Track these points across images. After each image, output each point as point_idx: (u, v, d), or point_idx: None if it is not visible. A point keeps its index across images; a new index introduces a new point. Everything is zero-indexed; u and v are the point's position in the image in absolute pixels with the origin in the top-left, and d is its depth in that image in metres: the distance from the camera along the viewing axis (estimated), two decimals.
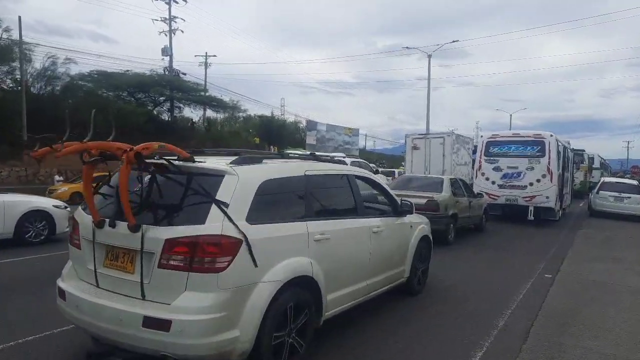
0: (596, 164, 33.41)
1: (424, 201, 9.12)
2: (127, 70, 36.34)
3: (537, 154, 13.22)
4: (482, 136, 14.55)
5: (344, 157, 14.66)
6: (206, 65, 51.15)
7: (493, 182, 13.79)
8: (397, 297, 5.56)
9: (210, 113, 46.97)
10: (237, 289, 2.95)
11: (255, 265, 3.02)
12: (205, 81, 48.34)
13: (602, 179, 20.06)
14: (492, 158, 13.88)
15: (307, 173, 3.86)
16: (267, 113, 54.92)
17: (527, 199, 13.25)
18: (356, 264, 4.31)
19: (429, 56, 36.32)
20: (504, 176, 13.61)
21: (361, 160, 16.57)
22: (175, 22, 39.90)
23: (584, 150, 28.89)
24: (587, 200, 20.24)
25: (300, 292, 3.47)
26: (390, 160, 60.59)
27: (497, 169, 13.74)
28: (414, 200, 9.30)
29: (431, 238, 6.26)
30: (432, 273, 6.90)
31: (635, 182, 18.91)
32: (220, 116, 55.54)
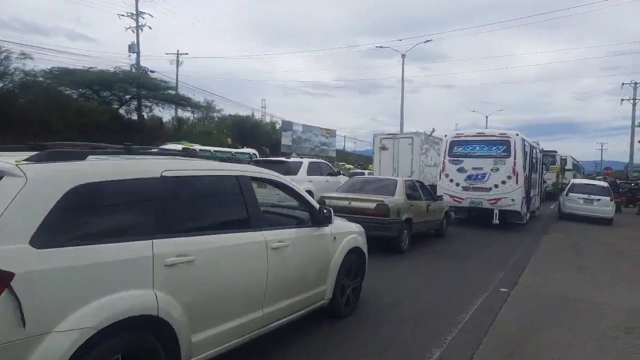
0: (569, 165, 33.25)
1: (373, 205, 8.26)
2: (91, 67, 34.80)
3: (503, 154, 12.52)
4: (445, 135, 13.78)
5: (298, 157, 13.73)
6: (177, 63, 50.02)
7: (457, 184, 13.04)
8: (316, 322, 4.66)
9: (186, 113, 45.73)
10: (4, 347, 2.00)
11: (22, 317, 2.04)
12: (177, 80, 47.13)
13: (572, 180, 19.60)
14: (456, 159, 13.14)
15: (165, 174, 2.92)
16: (247, 114, 53.91)
17: (492, 201, 12.54)
18: (244, 290, 3.38)
19: (403, 56, 35.98)
20: (468, 178, 12.87)
21: (321, 160, 15.65)
22: (143, 18, 38.59)
23: (555, 152, 28.65)
24: (558, 202, 19.76)
25: (135, 338, 2.54)
26: (369, 161, 60.05)
27: (461, 170, 13.00)
28: (362, 205, 8.53)
29: (365, 250, 5.37)
30: (375, 288, 6.08)
31: (605, 184, 18.49)
32: (194, 116, 54.29)
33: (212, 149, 20.91)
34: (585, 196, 16.50)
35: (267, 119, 57.85)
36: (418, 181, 10.58)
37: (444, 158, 13.39)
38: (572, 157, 35.63)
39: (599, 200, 16.34)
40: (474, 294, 6.20)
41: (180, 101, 38.26)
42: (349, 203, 8.46)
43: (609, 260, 9.14)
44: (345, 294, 4.91)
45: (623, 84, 41.65)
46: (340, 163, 51.84)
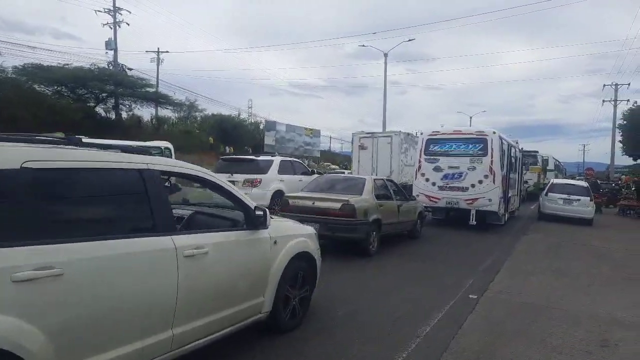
0: (551, 166, 33.16)
1: (338, 205, 7.71)
2: (67, 64, 33.75)
3: (479, 152, 12.08)
4: (422, 133, 13.29)
5: (270, 155, 13.12)
6: (158, 61, 49.15)
7: (433, 184, 12.57)
8: (256, 337, 4.09)
9: (168, 112, 44.92)
10: None
11: None
12: (158, 78, 46.26)
13: (552, 180, 19.31)
14: (432, 157, 12.66)
15: (27, 165, 2.33)
16: (232, 113, 53.35)
17: (469, 201, 12.09)
18: (141, 308, 2.78)
19: (385, 55, 35.65)
20: (445, 177, 12.41)
21: (294, 159, 15.06)
22: (121, 14, 37.62)
23: (537, 152, 28.51)
24: (538, 202, 19.46)
25: None
26: None
27: (437, 169, 12.53)
28: (326, 205, 7.98)
29: (316, 255, 4.81)
30: (332, 296, 5.57)
31: (585, 184, 18.25)
32: (176, 115, 53.39)
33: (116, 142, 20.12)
34: (565, 196, 16.20)
35: (252, 119, 57.24)
36: (389, 180, 10.06)
37: (420, 156, 12.92)
38: (554, 158, 35.59)
39: (578, 200, 16.06)
40: (440, 302, 5.69)
41: (160, 99, 37.33)
42: (313, 203, 7.91)
43: (587, 263, 8.73)
44: (289, 306, 4.35)
45: (604, 85, 41.80)
46: (325, 163, 51.44)
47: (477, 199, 11.99)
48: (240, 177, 11.84)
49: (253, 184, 11.68)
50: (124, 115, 38.28)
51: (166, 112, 44.66)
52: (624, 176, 39.33)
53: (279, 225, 4.31)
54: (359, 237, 7.84)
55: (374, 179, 8.87)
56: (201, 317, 3.24)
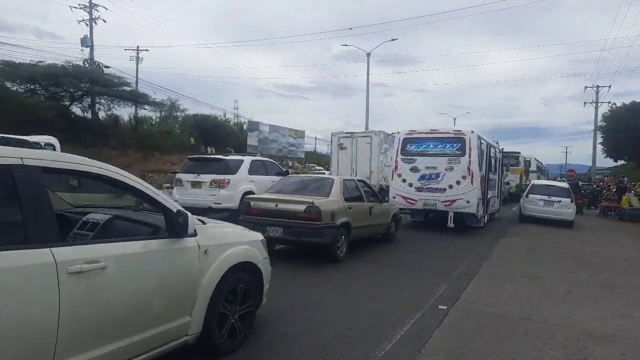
0: (533, 167, 33.11)
1: (302, 208, 7.16)
2: (40, 62, 32.67)
3: (457, 152, 11.64)
4: (398, 132, 12.82)
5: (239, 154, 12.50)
6: (138, 59, 48.28)
7: (410, 185, 12.10)
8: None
9: (149, 112, 44.02)
10: None
11: None
12: (137, 77, 45.35)
13: (532, 181, 19.02)
14: (409, 157, 12.20)
15: None
16: (215, 114, 52.83)
17: (447, 203, 11.64)
18: (12, 336, 2.21)
19: (368, 54, 35.43)
20: (422, 177, 11.95)
21: (266, 158, 14.45)
22: (97, 10, 36.63)
23: (519, 153, 28.37)
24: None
25: None
26: None
27: (414, 169, 12.07)
28: (290, 207, 7.41)
29: (262, 265, 4.24)
30: (289, 307, 5.12)
31: (565, 185, 18.00)
32: (157, 115, 52.48)
33: None
34: (546, 198, 15.90)
35: (236, 120, 56.68)
36: (361, 181, 9.54)
37: (397, 157, 12.44)
38: (536, 159, 35.59)
39: (559, 201, 15.77)
40: (406, 314, 5.18)
41: (138, 99, 36.32)
42: (276, 205, 7.35)
43: (565, 268, 8.32)
44: (227, 325, 3.78)
45: (586, 87, 41.90)
46: (311, 165, 51.05)
47: (454, 200, 11.55)
48: (207, 178, 11.23)
49: (220, 184, 11.07)
50: (103, 115, 37.32)
51: (147, 112, 43.79)
52: (606, 177, 39.63)
53: (212, 231, 3.74)
54: (326, 242, 7.30)
55: (344, 180, 8.34)
56: (99, 346, 2.66)
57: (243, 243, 4.04)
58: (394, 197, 12.35)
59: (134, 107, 39.59)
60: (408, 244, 10.09)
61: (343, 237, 7.73)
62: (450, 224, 11.68)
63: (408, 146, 12.28)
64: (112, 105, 37.11)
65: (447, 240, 10.82)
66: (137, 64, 47.46)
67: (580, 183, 29.25)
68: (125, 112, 40.65)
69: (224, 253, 3.69)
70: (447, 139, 11.83)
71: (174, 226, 3.23)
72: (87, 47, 36.88)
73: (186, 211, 3.30)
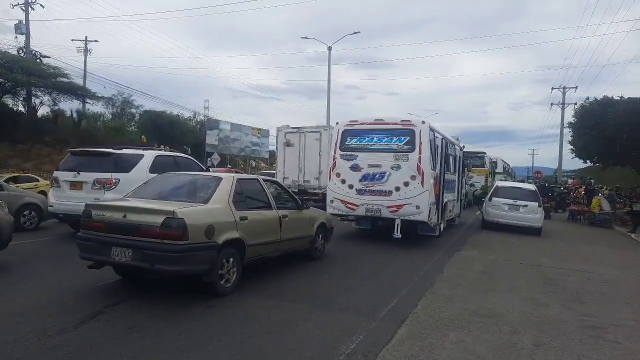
0: (499, 169, 31.67)
1: (159, 220, 4.85)
2: None
3: (405, 147, 9.55)
4: (337, 123, 10.64)
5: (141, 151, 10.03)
6: (86, 51, 45.29)
7: (350, 186, 9.95)
8: None
9: (100, 109, 40.97)
10: None
11: None
12: (85, 70, 42.31)
13: (496, 183, 17.20)
14: (349, 153, 10.03)
15: None
16: (186, 113, 50.44)
17: (393, 209, 9.53)
18: None
19: (329, 48, 33.82)
20: (364, 178, 9.80)
21: (179, 154, 12.05)
22: None
23: (484, 153, 26.82)
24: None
25: None
26: None
27: (355, 167, 9.91)
28: (143, 218, 4.96)
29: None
30: None
31: (533, 187, 16.27)
32: (108, 111, 49.41)
33: None
34: (511, 202, 14.07)
35: (198, 118, 54.02)
36: (271, 181, 7.27)
37: (335, 152, 10.27)
38: (502, 160, 34.24)
39: (526, 206, 13.97)
40: None
41: (77, 91, 33.07)
42: (124, 216, 5.02)
43: (533, 299, 6.30)
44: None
45: (552, 88, 41.12)
46: (263, 165, 49.10)
47: (402, 205, 9.46)
48: (89, 177, 8.80)
49: (106, 185, 8.66)
50: (47, 110, 34.12)
51: (99, 109, 40.74)
52: (570, 180, 38.73)
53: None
54: (198, 270, 5.04)
55: (238, 179, 6.01)
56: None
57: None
58: (332, 201, 10.20)
59: (74, 101, 36.42)
60: (337, 262, 7.82)
61: (231, 260, 5.47)
62: (397, 234, 9.58)
63: (348, 140, 10.11)
64: (57, 100, 34.03)
65: (390, 256, 8.68)
66: (85, 56, 44.44)
67: (547, 184, 27.96)
68: (73, 107, 37.37)
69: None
70: (394, 131, 9.72)
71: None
72: (22, 34, 33.43)
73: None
